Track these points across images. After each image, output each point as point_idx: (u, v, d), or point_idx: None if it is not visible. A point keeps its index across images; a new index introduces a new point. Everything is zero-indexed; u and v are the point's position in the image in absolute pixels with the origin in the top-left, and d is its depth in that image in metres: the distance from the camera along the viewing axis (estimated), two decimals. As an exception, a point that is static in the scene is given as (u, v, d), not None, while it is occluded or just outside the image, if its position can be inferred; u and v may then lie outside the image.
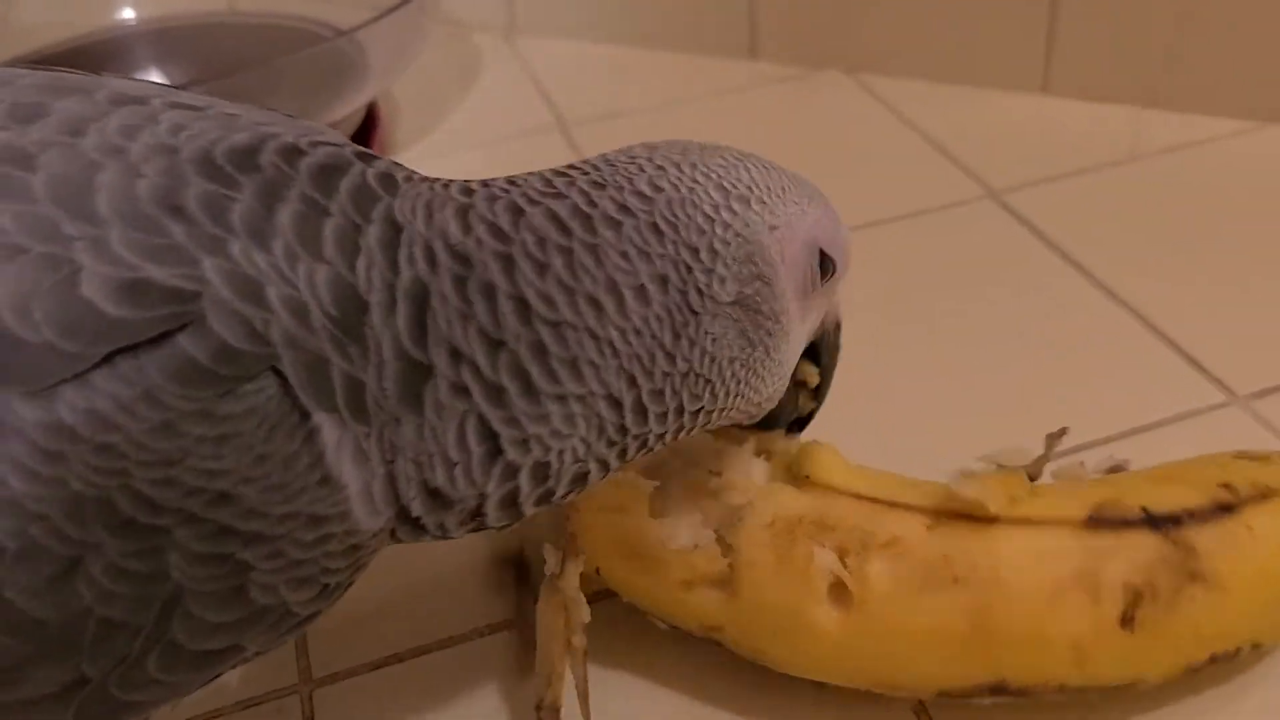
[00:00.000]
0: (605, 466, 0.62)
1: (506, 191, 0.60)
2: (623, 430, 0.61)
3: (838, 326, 0.75)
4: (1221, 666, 0.71)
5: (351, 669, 0.82)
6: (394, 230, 0.56)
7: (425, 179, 0.61)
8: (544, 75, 1.72)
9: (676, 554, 0.73)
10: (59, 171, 0.51)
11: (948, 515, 0.71)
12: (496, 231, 0.58)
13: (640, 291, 0.59)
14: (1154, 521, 0.69)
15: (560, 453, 0.59)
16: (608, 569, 0.77)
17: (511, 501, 0.60)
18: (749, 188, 0.63)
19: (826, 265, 0.67)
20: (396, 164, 0.61)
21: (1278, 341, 1.02)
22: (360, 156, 0.59)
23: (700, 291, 0.60)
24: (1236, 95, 1.34)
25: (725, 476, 0.76)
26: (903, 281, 1.17)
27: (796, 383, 0.74)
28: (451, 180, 0.62)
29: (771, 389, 0.67)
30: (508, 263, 0.57)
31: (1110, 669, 0.69)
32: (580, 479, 0.62)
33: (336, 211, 0.55)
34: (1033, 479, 0.77)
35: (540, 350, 0.57)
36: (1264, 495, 0.71)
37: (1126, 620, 0.67)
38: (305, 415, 0.52)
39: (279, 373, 0.52)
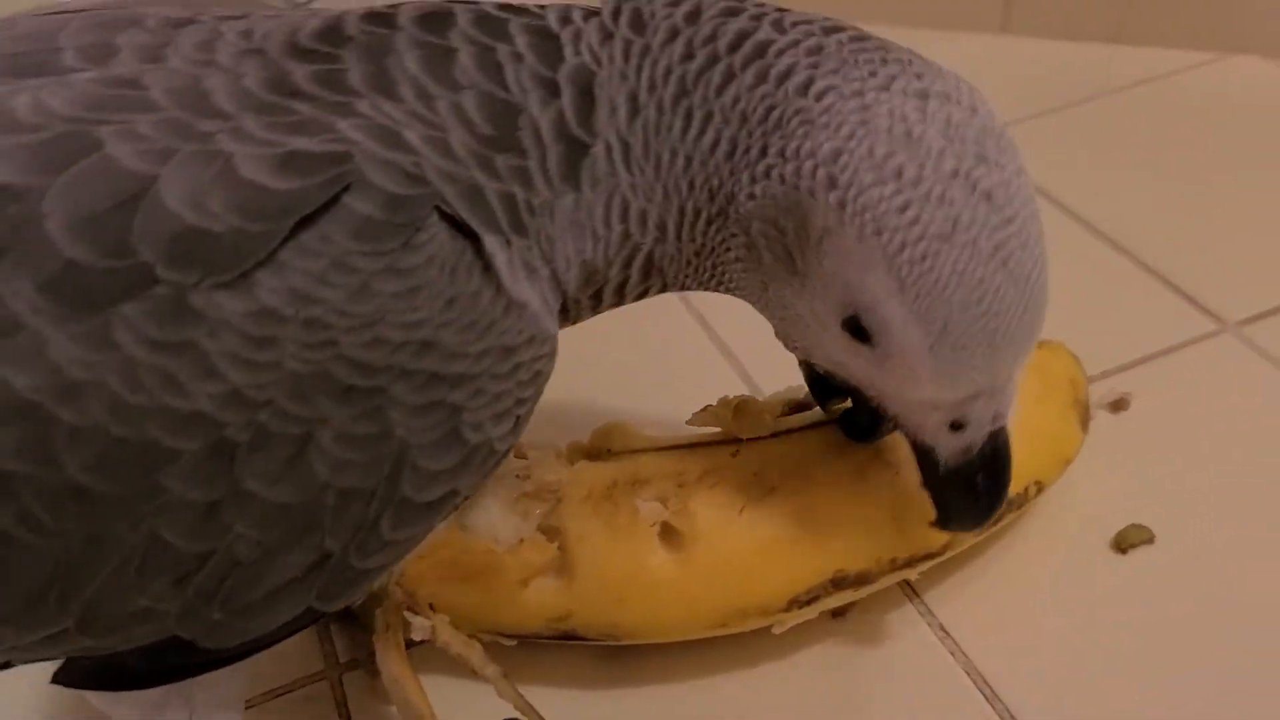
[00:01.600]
0: (662, 287, 0.64)
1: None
2: (678, 249, 0.61)
3: (934, 451, 0.64)
4: (1014, 516, 0.80)
5: None
6: (548, 38, 0.58)
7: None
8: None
9: (507, 556, 0.72)
10: (168, 85, 0.52)
11: (746, 441, 0.76)
12: (691, 13, 0.59)
13: (715, 141, 0.58)
14: None
15: (659, 244, 0.61)
16: (444, 601, 0.74)
17: (620, 290, 0.63)
18: (856, 180, 0.54)
19: (862, 332, 0.58)
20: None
21: (1261, 267, 1.05)
22: (450, 2, 0.60)
23: (735, 185, 0.58)
24: (1196, 28, 1.36)
25: (533, 476, 0.75)
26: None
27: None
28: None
29: (781, 325, 0.64)
30: (671, 37, 0.58)
31: (926, 532, 0.73)
32: (657, 286, 0.64)
33: (462, 44, 0.57)
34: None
35: (646, 126, 0.58)
36: None
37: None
38: (478, 250, 0.54)
39: (442, 212, 0.53)
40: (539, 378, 0.57)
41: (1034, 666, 0.75)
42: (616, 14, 0.59)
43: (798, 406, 0.78)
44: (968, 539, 0.77)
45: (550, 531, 0.73)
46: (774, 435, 0.76)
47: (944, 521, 0.69)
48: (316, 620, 0.57)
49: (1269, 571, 0.78)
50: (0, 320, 0.46)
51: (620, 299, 0.64)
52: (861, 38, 0.58)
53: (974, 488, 0.65)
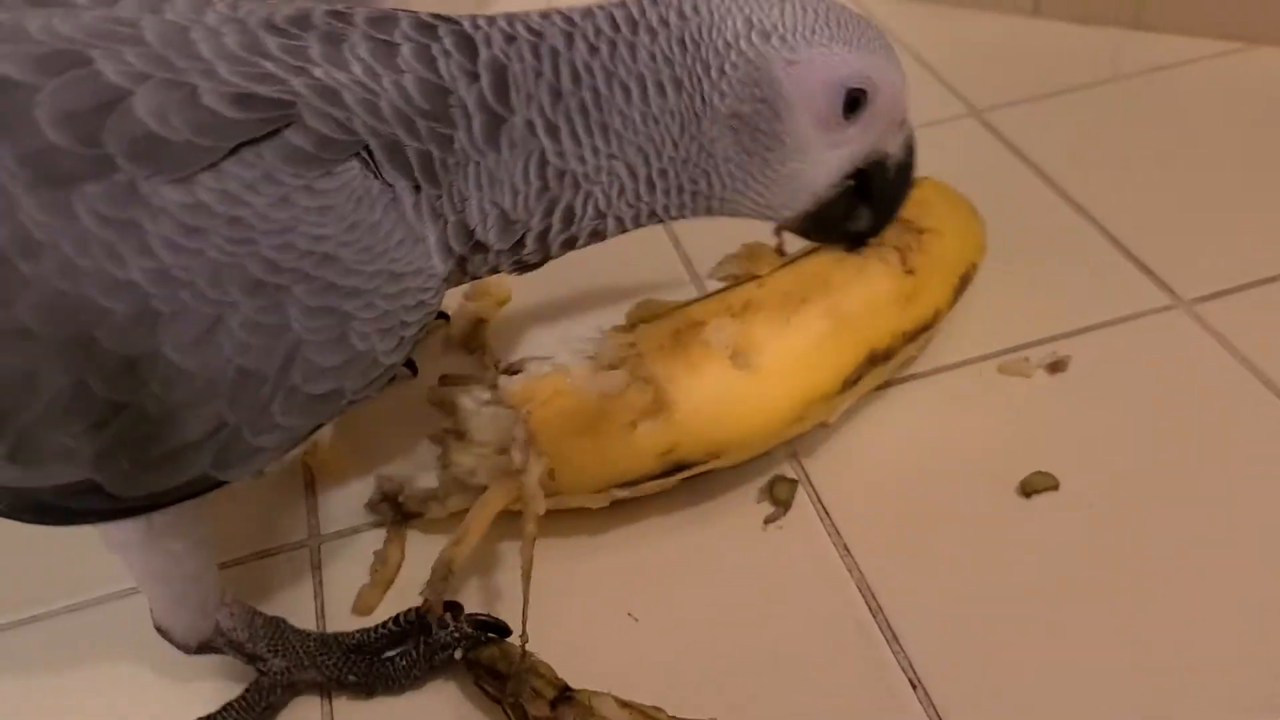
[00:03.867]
0: (621, 224, 0.77)
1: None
2: (637, 196, 0.75)
3: (888, 159, 0.79)
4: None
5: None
6: (466, 39, 0.70)
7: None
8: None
9: (616, 400, 0.85)
10: (159, 31, 0.64)
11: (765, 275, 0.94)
12: (567, 19, 0.72)
13: (660, 88, 0.72)
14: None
15: (587, 198, 0.74)
16: (568, 452, 0.84)
17: (543, 237, 0.74)
18: (774, 25, 0.72)
19: (857, 101, 0.74)
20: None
21: (1227, 250, 1.08)
22: (394, 10, 0.73)
23: (704, 100, 0.72)
24: (1220, 16, 1.38)
25: (599, 350, 0.88)
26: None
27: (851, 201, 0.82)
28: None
29: (779, 197, 0.77)
30: (569, 39, 0.71)
31: (920, 309, 0.95)
32: (598, 233, 0.77)
33: (403, 40, 0.69)
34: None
35: (584, 109, 0.71)
36: None
37: (906, 269, 0.94)
38: (388, 189, 0.65)
39: (364, 160, 0.65)
40: (422, 306, 0.68)
41: (923, 587, 0.82)
42: (511, 21, 0.72)
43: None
44: (947, 314, 0.98)
45: (645, 377, 0.85)
46: (782, 266, 0.93)
47: (880, 225, 0.83)
48: (214, 488, 0.67)
49: (1161, 539, 0.83)
50: None
51: (544, 245, 0.75)
52: None
53: (909, 168, 0.81)
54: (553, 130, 0.71)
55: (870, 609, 0.81)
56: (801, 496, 0.90)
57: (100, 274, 0.59)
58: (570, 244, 0.76)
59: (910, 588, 0.82)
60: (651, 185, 0.75)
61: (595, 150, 0.72)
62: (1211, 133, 1.26)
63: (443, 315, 1.12)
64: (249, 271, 0.60)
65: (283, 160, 0.62)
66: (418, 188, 0.67)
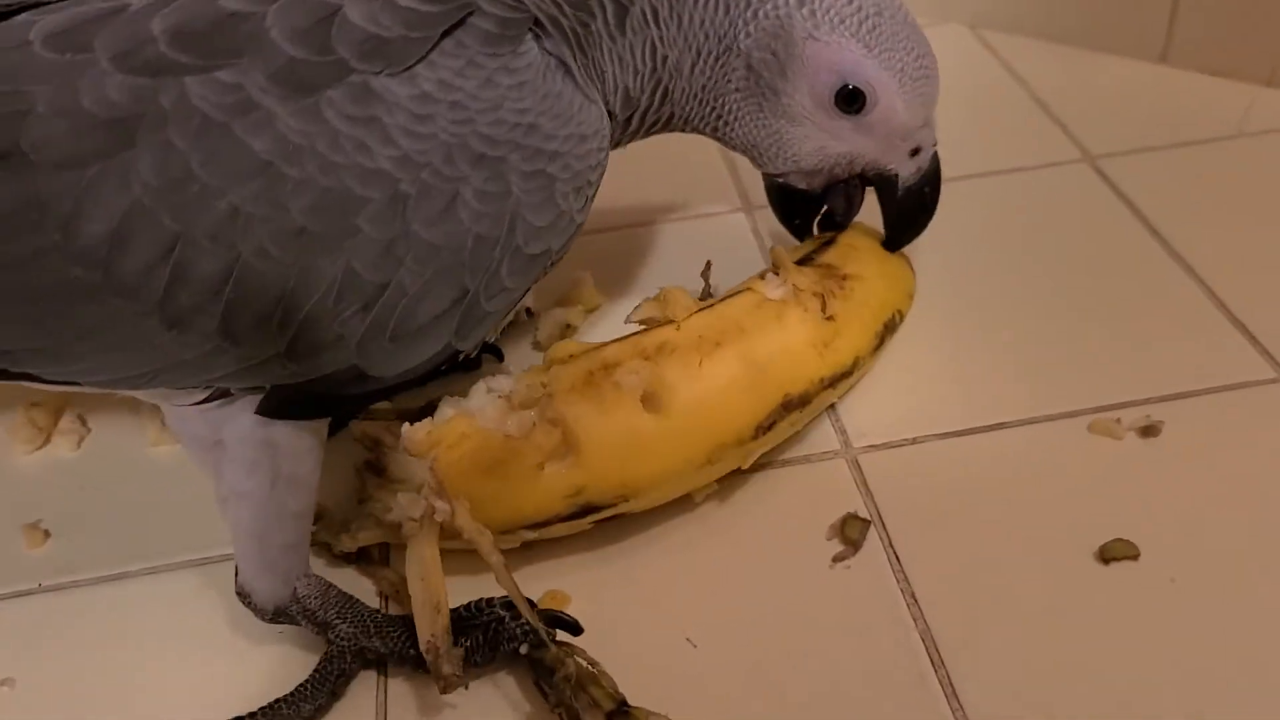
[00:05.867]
0: (673, 119, 0.91)
1: None
2: (687, 75, 0.87)
3: (897, 180, 0.93)
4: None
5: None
6: None
7: None
8: None
9: (523, 442, 0.84)
10: None
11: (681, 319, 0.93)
12: None
13: (714, 5, 0.84)
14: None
15: (673, 82, 0.87)
16: (475, 494, 0.82)
17: (644, 115, 0.88)
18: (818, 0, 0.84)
19: (854, 98, 0.86)
20: None
21: (1340, 327, 1.04)
22: None
23: (735, 33, 0.85)
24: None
25: (514, 389, 0.86)
26: (985, 235, 1.22)
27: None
28: None
29: (765, 146, 0.91)
30: None
31: (837, 354, 0.95)
32: (666, 121, 0.91)
33: None
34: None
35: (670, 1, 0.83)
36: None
37: (826, 315, 0.95)
38: (559, 61, 0.76)
39: (534, 35, 0.75)
40: (600, 166, 0.79)
41: (988, 644, 0.81)
42: None
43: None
44: (869, 362, 1.00)
45: (552, 421, 0.85)
46: (698, 310, 0.93)
47: (895, 241, 1.01)
48: (453, 359, 0.75)
49: (1241, 620, 0.81)
50: (241, 101, 0.66)
51: (642, 123, 0.89)
52: None
53: (923, 198, 0.95)
54: (655, 15, 0.82)
55: (933, 661, 0.81)
56: (873, 538, 0.90)
57: (355, 167, 0.67)
58: (652, 128, 0.90)
59: (975, 644, 0.81)
60: (689, 85, 0.87)
61: (671, 36, 0.83)
62: (1336, 201, 1.22)
63: (527, 311, 1.14)
64: (472, 147, 0.70)
65: (479, 44, 0.71)
66: (575, 57, 0.77)
